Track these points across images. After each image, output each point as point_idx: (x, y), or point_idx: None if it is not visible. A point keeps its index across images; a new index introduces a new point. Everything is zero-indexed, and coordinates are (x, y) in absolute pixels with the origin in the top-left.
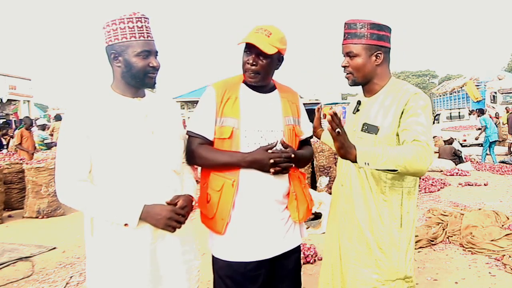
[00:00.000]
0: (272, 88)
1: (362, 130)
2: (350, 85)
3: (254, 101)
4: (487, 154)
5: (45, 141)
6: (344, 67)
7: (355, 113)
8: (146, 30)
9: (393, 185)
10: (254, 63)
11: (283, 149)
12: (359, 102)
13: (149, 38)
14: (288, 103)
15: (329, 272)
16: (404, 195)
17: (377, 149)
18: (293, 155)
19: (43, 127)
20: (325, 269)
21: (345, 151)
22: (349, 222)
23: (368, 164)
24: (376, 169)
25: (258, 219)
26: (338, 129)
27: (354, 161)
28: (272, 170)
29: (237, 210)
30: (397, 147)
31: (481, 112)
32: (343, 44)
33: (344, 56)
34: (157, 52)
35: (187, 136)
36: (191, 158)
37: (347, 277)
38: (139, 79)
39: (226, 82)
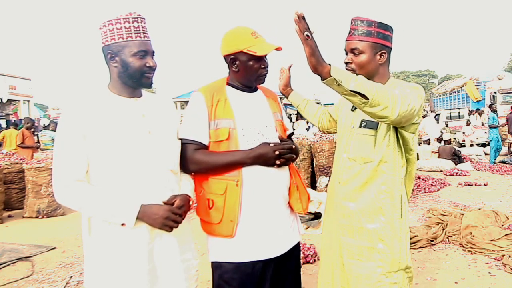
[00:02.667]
0: (255, 87)
1: (360, 126)
2: None
3: (243, 101)
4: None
5: None
6: (347, 63)
7: (353, 111)
8: (143, 30)
9: (393, 176)
10: (267, 66)
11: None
12: None
13: (145, 38)
14: (272, 100)
15: (329, 271)
16: (401, 185)
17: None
18: (293, 146)
19: (49, 127)
20: (324, 268)
21: (317, 60)
22: (349, 218)
23: (340, 83)
24: (344, 93)
25: (266, 216)
26: (306, 32)
27: (326, 75)
28: (277, 162)
29: (245, 209)
30: None
31: (492, 110)
32: (347, 40)
33: (346, 52)
34: (153, 52)
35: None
36: (189, 164)
37: (351, 274)
38: (135, 79)
39: (211, 86)
